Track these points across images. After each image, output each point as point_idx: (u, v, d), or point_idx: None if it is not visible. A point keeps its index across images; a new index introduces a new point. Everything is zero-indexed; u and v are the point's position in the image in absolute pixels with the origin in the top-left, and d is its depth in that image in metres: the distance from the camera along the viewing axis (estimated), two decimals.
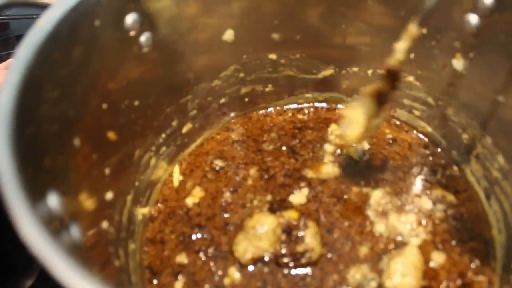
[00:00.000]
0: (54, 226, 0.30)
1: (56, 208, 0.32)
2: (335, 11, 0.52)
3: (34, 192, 0.29)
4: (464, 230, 0.51)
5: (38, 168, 0.33)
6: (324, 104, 0.63)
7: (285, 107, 0.63)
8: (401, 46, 0.43)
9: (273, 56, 0.57)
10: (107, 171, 0.45)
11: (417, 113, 0.58)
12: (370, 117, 0.47)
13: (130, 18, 0.44)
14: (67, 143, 0.39)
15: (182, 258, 0.50)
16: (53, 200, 0.32)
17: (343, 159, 0.57)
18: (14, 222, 0.26)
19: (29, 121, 0.34)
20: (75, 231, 0.34)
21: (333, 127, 0.60)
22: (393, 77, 0.43)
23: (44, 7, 0.41)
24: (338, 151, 0.58)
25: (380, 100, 0.45)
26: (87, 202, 0.39)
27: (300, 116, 0.62)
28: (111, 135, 0.46)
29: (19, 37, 1.06)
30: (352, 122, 0.47)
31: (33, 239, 0.25)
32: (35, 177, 0.31)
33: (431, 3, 0.40)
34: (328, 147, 0.58)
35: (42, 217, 0.28)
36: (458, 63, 0.49)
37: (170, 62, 0.51)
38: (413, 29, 0.42)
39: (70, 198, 0.36)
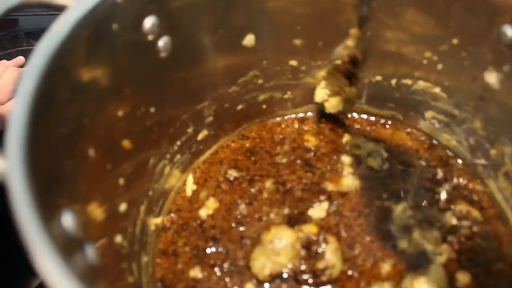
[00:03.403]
0: (70, 248, 0.28)
1: (71, 228, 0.30)
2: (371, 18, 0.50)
3: (49, 211, 0.28)
4: (490, 250, 0.49)
5: (53, 184, 0.31)
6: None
7: (299, 115, 0.60)
8: (349, 44, 0.51)
9: (293, 62, 0.55)
10: (121, 181, 0.43)
11: (441, 125, 0.56)
12: (342, 89, 0.55)
13: (149, 22, 0.42)
14: (82, 155, 0.37)
15: (196, 273, 0.48)
16: (68, 219, 0.30)
17: (363, 170, 0.55)
18: (28, 249, 0.24)
19: (42, 132, 0.32)
20: (90, 252, 0.32)
21: (347, 138, 0.58)
22: (352, 63, 0.52)
23: (59, 8, 0.38)
24: (357, 161, 0.56)
25: (347, 76, 0.53)
26: (101, 217, 0.37)
27: (312, 126, 0.60)
28: (126, 143, 0.44)
29: (28, 34, 1.04)
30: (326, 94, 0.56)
31: (50, 269, 0.23)
32: (50, 195, 0.29)
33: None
34: (346, 159, 0.56)
35: (57, 240, 0.26)
36: (490, 76, 0.47)
37: (188, 67, 0.49)
38: (355, 31, 0.49)
39: (84, 215, 0.34)
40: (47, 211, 0.26)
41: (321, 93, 0.57)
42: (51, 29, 0.35)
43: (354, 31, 0.49)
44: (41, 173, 0.29)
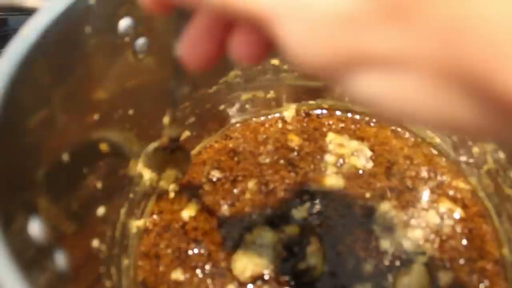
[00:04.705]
0: (35, 258, 0.28)
1: (38, 236, 0.29)
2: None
3: (11, 221, 0.27)
4: (473, 248, 0.49)
5: (19, 192, 0.30)
6: (320, 112, 0.60)
7: (284, 114, 0.59)
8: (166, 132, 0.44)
9: (275, 61, 0.54)
10: (98, 185, 0.43)
11: None
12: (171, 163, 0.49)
13: (124, 23, 0.41)
14: (54, 160, 0.36)
15: (178, 275, 0.48)
16: (35, 227, 0.29)
17: (347, 169, 0.55)
18: None
19: (9, 139, 0.32)
20: (60, 258, 0.31)
21: (331, 136, 0.58)
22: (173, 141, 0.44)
23: (30, 12, 0.38)
24: (341, 161, 0.56)
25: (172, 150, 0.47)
26: (75, 223, 0.37)
27: (296, 126, 0.59)
28: (104, 146, 0.44)
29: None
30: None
31: (8, 282, 0.23)
32: (14, 203, 0.29)
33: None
34: (329, 158, 0.56)
35: (20, 251, 0.26)
36: None
37: (167, 68, 0.48)
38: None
39: (55, 222, 0.33)
40: (9, 220, 0.26)
41: (148, 176, 0.51)
42: (20, 34, 0.35)
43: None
44: (4, 181, 0.29)
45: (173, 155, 0.47)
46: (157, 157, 0.48)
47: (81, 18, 0.38)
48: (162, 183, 0.51)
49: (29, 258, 0.27)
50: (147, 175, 0.50)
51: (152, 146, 0.49)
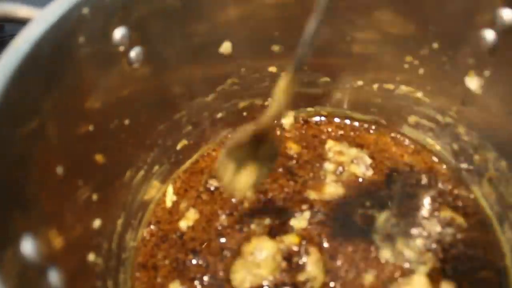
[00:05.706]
0: (28, 278, 0.27)
1: (31, 255, 0.28)
2: (342, 19, 0.48)
3: (3, 239, 0.26)
4: (475, 258, 0.48)
5: (9, 210, 0.29)
6: (319, 119, 0.59)
7: (282, 121, 0.59)
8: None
9: (273, 69, 0.53)
10: (94, 197, 0.42)
11: (425, 130, 0.55)
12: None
13: (119, 33, 0.40)
14: (48, 173, 0.35)
15: (175, 286, 0.47)
16: (28, 246, 0.29)
17: (347, 177, 0.54)
18: None
19: (4, 153, 0.31)
20: (54, 276, 0.31)
21: (330, 144, 0.57)
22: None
23: (23, 22, 0.37)
24: (340, 168, 0.55)
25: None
26: (69, 238, 0.36)
27: (295, 133, 0.58)
28: (99, 157, 0.43)
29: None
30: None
31: None
32: (5, 222, 0.28)
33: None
34: (329, 166, 0.55)
35: (12, 271, 0.25)
36: (471, 81, 0.45)
37: (163, 77, 0.48)
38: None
39: (49, 238, 0.33)
40: (3, 243, 0.25)
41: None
42: (12, 45, 0.34)
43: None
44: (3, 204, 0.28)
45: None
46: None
47: (75, 27, 0.37)
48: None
49: (22, 278, 0.26)
50: None
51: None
